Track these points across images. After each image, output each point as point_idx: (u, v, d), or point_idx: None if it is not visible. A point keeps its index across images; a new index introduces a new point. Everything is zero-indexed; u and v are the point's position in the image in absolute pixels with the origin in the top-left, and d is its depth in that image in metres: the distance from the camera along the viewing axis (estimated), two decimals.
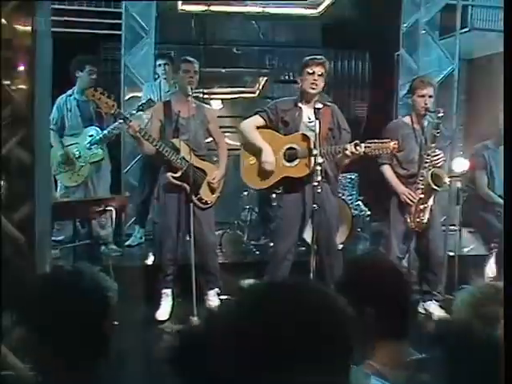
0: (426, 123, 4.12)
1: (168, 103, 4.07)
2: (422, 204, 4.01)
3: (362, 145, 3.69)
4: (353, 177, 5.65)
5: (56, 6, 5.37)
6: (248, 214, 5.37)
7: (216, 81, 6.81)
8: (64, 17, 5.35)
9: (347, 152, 3.69)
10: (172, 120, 3.97)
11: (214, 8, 5.76)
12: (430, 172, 3.94)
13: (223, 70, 6.76)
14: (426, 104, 3.94)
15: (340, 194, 5.26)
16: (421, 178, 3.98)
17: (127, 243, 5.24)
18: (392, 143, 3.72)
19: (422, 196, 4.00)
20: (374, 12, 5.28)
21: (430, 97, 3.97)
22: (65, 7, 5.42)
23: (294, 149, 3.88)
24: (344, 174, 5.48)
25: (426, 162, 3.96)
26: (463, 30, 4.88)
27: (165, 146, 3.89)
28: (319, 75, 3.80)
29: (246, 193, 5.51)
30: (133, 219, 5.38)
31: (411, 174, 4.06)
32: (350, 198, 5.56)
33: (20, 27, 3.18)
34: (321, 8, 5.81)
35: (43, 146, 2.87)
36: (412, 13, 4.64)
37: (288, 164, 3.88)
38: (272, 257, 4.04)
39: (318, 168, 3.54)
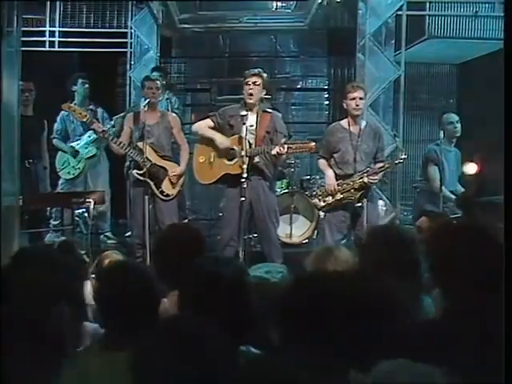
0: (363, 125, 4.51)
1: (138, 113, 4.80)
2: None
3: (286, 145, 4.21)
4: None
5: (71, 29, 6.38)
6: None
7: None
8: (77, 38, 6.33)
9: (273, 152, 4.23)
10: (139, 127, 4.70)
11: (212, 25, 6.44)
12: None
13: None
14: (357, 105, 4.35)
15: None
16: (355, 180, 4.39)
17: (127, 234, 6.01)
18: (311, 144, 4.22)
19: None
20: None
21: (361, 99, 4.37)
22: (80, 30, 6.40)
23: (233, 149, 4.47)
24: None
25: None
26: (421, 39, 5.17)
27: (129, 147, 4.64)
28: (255, 85, 4.37)
29: None
30: None
31: (346, 174, 4.46)
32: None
33: None
34: (308, 20, 6.29)
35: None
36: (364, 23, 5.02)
37: (228, 162, 4.48)
38: (218, 244, 4.64)
39: (245, 166, 4.17)
